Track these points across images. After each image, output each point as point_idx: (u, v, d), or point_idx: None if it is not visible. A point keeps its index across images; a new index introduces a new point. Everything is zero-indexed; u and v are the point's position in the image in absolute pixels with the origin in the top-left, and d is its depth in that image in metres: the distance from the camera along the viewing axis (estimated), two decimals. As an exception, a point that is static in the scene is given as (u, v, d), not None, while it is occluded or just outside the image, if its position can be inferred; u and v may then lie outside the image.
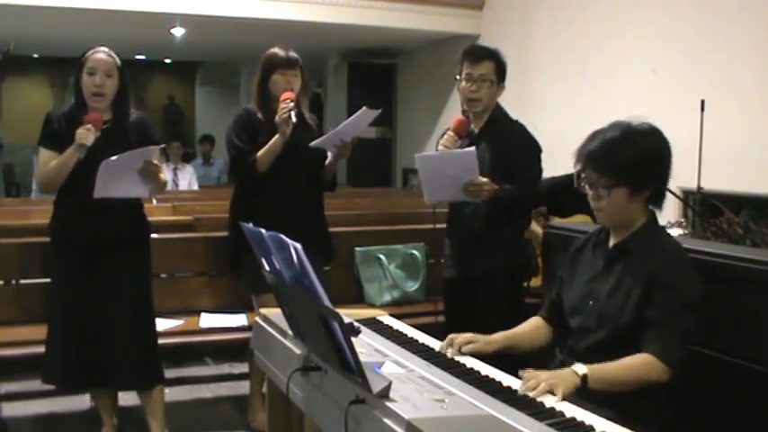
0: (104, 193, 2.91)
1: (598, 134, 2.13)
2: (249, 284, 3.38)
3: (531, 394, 1.78)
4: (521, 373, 1.90)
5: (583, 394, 1.90)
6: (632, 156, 2.06)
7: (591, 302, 2.15)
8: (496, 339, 2.24)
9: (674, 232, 4.38)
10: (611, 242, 2.19)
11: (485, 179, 2.93)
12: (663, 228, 2.26)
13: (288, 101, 3.18)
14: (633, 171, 2.06)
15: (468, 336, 2.18)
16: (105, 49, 3.07)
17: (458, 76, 3.16)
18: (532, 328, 2.35)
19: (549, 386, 1.80)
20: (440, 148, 3.05)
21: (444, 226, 3.32)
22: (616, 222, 2.15)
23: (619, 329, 2.05)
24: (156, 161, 3.00)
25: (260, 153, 3.25)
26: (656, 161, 2.11)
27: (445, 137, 3.05)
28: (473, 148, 2.89)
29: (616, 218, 2.13)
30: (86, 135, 2.91)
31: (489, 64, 3.11)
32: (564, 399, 1.78)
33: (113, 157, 2.86)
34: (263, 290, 2.98)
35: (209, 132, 9.60)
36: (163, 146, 3.25)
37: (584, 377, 1.89)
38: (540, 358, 2.28)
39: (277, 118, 3.18)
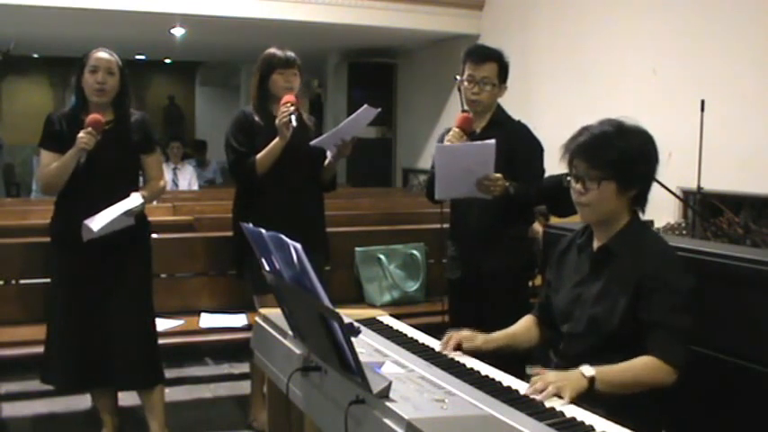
0: (94, 236, 2.96)
1: (589, 128, 2.12)
2: (252, 284, 3.38)
3: (538, 398, 1.76)
4: (528, 370, 1.88)
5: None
6: (624, 150, 2.04)
7: (580, 308, 2.13)
8: (495, 338, 2.23)
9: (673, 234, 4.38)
10: (596, 244, 2.16)
11: (498, 174, 2.91)
12: (646, 225, 2.24)
13: (288, 104, 3.18)
14: (624, 166, 2.04)
15: (466, 333, 2.18)
16: (106, 49, 3.10)
17: (459, 76, 3.15)
18: (527, 327, 2.34)
19: (557, 389, 1.78)
20: (446, 143, 3.03)
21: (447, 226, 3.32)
22: (600, 219, 2.12)
23: (609, 335, 2.04)
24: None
25: (259, 155, 3.25)
26: (645, 160, 2.10)
27: (451, 133, 3.04)
28: (493, 141, 2.85)
29: (601, 214, 2.10)
30: (88, 139, 2.93)
31: (492, 66, 3.10)
32: (571, 402, 1.76)
33: (100, 224, 2.93)
34: (265, 290, 2.97)
35: (208, 132, 9.60)
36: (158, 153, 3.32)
37: (592, 379, 1.88)
38: (537, 359, 2.27)
39: (277, 121, 3.18)
